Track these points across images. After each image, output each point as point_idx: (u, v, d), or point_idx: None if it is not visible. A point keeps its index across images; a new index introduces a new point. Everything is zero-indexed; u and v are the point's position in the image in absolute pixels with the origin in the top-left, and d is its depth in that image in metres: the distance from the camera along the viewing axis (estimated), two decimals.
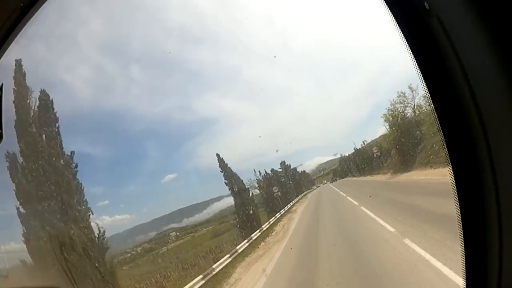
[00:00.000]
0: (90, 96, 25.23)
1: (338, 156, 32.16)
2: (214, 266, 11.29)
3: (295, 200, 19.67)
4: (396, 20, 0.99)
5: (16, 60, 12.31)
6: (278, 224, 14.66)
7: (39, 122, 12.58)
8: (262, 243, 12.95)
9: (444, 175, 8.21)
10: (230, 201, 22.01)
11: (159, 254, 18.40)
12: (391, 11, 0.99)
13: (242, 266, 10.83)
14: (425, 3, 0.91)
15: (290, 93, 33.31)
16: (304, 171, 30.51)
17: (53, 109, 12.76)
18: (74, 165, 12.61)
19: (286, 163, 21.35)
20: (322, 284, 6.42)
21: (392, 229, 7.72)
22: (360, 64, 30.74)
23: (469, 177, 0.97)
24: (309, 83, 31.00)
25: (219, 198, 23.49)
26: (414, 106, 13.12)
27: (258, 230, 14.99)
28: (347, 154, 30.95)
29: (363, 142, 22.95)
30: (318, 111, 32.99)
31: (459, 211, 1.03)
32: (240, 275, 9.90)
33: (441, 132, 1.00)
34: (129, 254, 19.02)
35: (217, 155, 18.66)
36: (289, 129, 32.54)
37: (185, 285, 10.25)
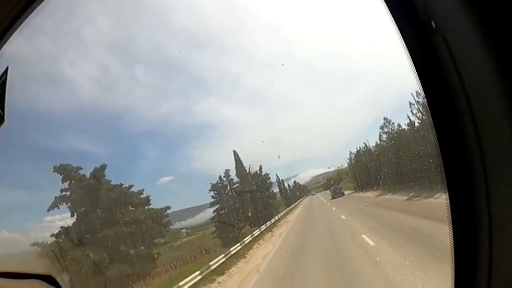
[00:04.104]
0: (92, 94, 25.23)
1: (332, 169, 33.99)
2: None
3: (301, 199, 34.55)
4: (402, 36, 1.00)
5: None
6: (299, 204, 31.27)
7: None
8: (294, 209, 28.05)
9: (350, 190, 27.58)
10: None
11: (174, 246, 18.66)
12: (398, 27, 1.00)
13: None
14: (432, 22, 0.93)
15: (291, 102, 32.95)
16: (303, 185, 36.52)
17: None
18: None
19: (284, 175, 31.42)
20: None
21: (325, 201, 26.01)
22: (362, 77, 30.71)
23: (463, 195, 0.98)
24: (311, 93, 31.02)
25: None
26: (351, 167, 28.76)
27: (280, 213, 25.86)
28: (341, 167, 32.66)
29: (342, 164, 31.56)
30: (318, 122, 33.14)
31: (450, 217, 1.05)
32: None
33: (438, 147, 1.01)
34: None
35: (234, 152, 23.08)
36: (288, 139, 32.97)
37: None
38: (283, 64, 29.33)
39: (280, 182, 30.90)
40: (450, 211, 1.04)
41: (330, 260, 8.27)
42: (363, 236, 9.34)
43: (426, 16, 0.94)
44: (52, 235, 9.81)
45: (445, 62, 0.93)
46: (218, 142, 29.95)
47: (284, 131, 30.60)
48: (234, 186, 22.60)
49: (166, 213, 12.37)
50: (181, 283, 8.73)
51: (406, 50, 1.00)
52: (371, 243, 8.45)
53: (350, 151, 28.17)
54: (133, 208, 10.57)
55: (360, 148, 26.16)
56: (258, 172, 25.57)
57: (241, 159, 23.59)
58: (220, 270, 10.59)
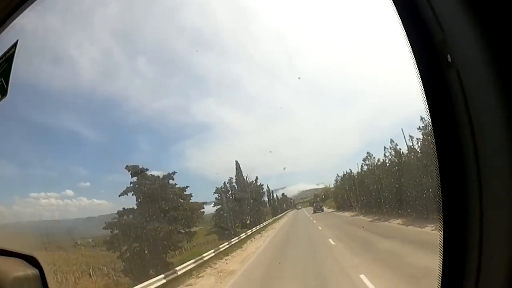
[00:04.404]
0: (92, 78, 23.57)
1: (322, 186, 33.15)
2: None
3: (287, 211, 35.78)
4: (416, 64, 1.02)
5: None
6: (284, 216, 33.04)
7: None
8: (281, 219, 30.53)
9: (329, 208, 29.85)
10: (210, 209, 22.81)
11: None
12: (413, 54, 1.02)
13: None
14: (448, 55, 0.94)
15: (289, 114, 31.02)
16: (291, 198, 37.16)
17: None
18: None
19: (273, 186, 33.29)
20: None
21: (309, 215, 28.01)
22: (362, 98, 28.55)
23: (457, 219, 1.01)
24: (309, 108, 29.20)
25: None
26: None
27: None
28: (329, 186, 31.98)
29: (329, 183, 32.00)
30: (313, 137, 30.12)
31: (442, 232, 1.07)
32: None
33: (438, 178, 1.03)
34: None
35: (236, 162, 26.20)
36: (281, 150, 30.97)
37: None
38: (299, 78, 28.40)
39: (270, 193, 32.68)
40: (442, 212, 1.05)
41: (305, 251, 12.49)
42: (329, 239, 13.57)
43: (443, 48, 0.96)
44: (118, 213, 13.48)
45: (455, 96, 0.94)
46: (212, 144, 29.55)
47: (278, 142, 30.08)
48: (233, 192, 26.35)
49: (203, 205, 16.67)
50: (204, 255, 12.70)
51: (419, 77, 1.02)
52: (333, 243, 12.70)
53: (337, 174, 28.81)
54: (183, 200, 14.58)
55: (345, 173, 27.61)
56: (254, 182, 29.25)
57: (239, 166, 26.59)
58: (226, 252, 14.59)
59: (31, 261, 1.79)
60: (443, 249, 1.07)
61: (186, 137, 31.17)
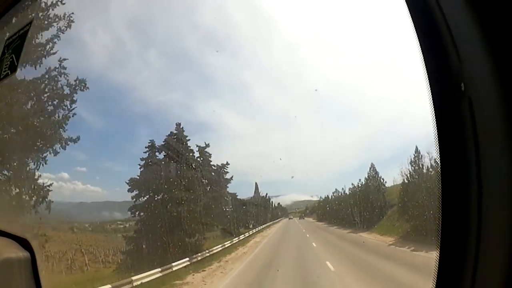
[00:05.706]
0: (102, 64, 22.93)
1: (315, 199, 34.32)
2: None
3: (281, 218, 40.20)
4: (430, 90, 1.04)
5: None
6: (280, 221, 37.70)
7: None
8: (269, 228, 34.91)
9: (313, 219, 35.34)
10: None
11: None
12: (428, 80, 1.05)
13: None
14: (462, 84, 0.95)
15: (290, 123, 30.95)
16: (284, 207, 41.21)
17: None
18: None
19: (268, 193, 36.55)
20: None
21: (297, 223, 35.00)
22: (366, 117, 27.76)
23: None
24: (310, 119, 28.26)
25: None
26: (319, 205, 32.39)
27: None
28: (321, 198, 33.46)
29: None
30: (311, 150, 30.16)
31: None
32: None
33: (440, 203, 1.08)
34: (121, 226, 21.10)
35: (256, 183, 30.21)
36: (280, 158, 31.26)
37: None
38: (316, 90, 26.93)
39: (270, 202, 38.69)
40: (441, 215, 1.08)
41: (292, 234, 31.36)
42: (303, 230, 31.99)
43: (457, 76, 0.97)
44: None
45: (465, 126, 0.96)
46: (212, 145, 29.52)
47: (277, 149, 31.06)
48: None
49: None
50: (252, 230, 30.70)
51: (431, 103, 1.04)
52: (304, 231, 31.19)
53: (320, 196, 31.31)
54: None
55: (326, 196, 31.35)
56: (265, 195, 45.87)
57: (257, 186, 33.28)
58: (253, 234, 32.62)
59: (23, 243, 1.78)
60: (440, 248, 1.09)
61: (187, 134, 32.21)
